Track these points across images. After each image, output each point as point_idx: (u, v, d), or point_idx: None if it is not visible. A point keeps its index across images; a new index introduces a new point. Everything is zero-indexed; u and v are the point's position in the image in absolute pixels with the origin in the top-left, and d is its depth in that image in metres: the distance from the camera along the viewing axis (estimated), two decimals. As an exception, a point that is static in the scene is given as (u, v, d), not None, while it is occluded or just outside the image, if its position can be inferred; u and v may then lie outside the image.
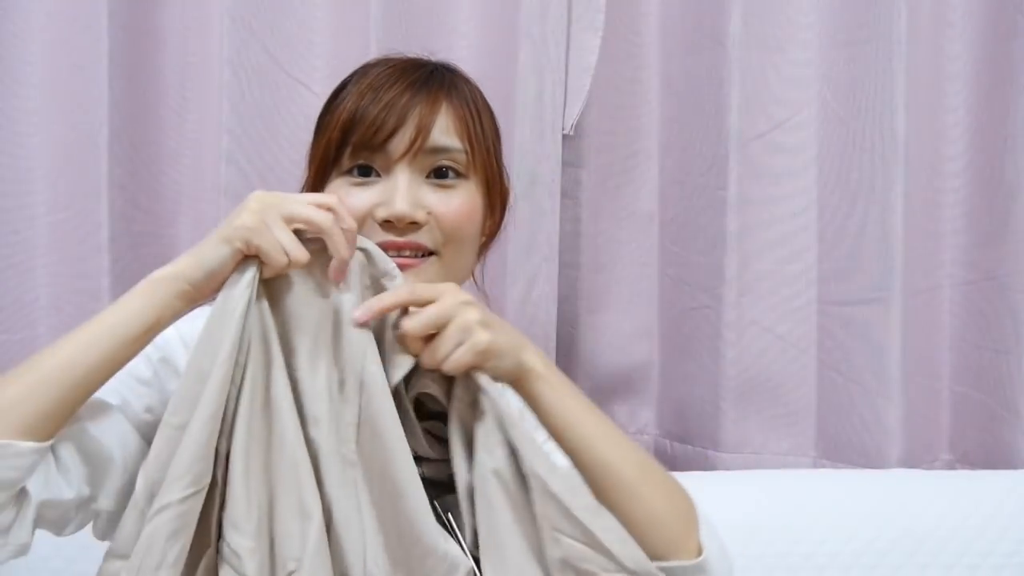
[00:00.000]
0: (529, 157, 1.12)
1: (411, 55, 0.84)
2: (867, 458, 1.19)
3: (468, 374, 0.67)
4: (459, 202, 0.78)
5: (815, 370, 1.20)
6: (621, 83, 1.19)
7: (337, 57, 1.10)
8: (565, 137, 1.15)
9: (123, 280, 1.08)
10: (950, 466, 1.25)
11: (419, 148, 0.76)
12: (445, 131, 0.78)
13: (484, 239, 0.84)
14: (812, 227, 1.18)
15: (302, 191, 0.83)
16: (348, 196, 0.76)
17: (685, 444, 1.22)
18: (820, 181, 1.18)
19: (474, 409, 0.67)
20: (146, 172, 1.12)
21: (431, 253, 0.78)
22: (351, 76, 0.82)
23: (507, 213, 0.86)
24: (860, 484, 1.11)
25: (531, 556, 0.65)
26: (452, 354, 0.66)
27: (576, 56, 1.14)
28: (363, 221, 0.76)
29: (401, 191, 0.76)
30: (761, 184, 1.16)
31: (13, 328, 1.08)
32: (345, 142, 0.77)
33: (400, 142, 0.76)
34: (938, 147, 1.21)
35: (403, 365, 0.67)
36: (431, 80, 0.80)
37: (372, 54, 1.09)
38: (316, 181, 0.80)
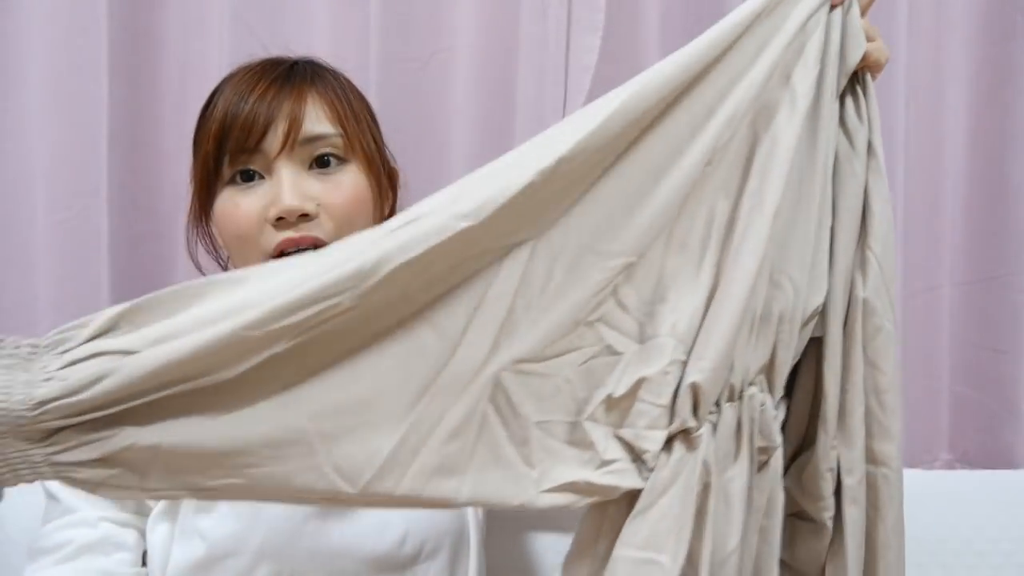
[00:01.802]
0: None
1: (270, 56, 0.84)
2: (867, 458, 1.19)
3: None
4: (345, 187, 0.78)
5: (815, 370, 1.19)
6: (621, 83, 1.19)
7: (337, 57, 1.10)
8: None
9: (123, 280, 1.08)
10: (950, 466, 1.24)
11: (294, 140, 0.76)
12: (317, 119, 0.78)
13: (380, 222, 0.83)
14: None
15: (189, 213, 0.83)
16: (237, 204, 0.76)
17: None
18: (820, 181, 1.18)
19: None
20: (146, 172, 1.12)
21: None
22: (216, 88, 0.81)
23: (401, 193, 0.86)
24: (860, 484, 1.11)
25: None
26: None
27: (576, 56, 1.14)
28: (259, 226, 0.75)
29: (286, 186, 0.75)
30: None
31: (13, 328, 1.08)
32: (222, 151, 0.77)
33: (274, 138, 0.76)
34: (938, 147, 1.21)
35: None
36: (293, 74, 0.80)
37: (372, 54, 1.10)
38: (201, 199, 0.80)
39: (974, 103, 1.21)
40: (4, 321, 1.08)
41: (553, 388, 0.61)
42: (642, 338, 0.62)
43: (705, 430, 0.61)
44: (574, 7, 1.13)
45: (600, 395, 0.61)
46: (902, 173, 1.16)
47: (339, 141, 0.78)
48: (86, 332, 0.53)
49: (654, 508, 0.60)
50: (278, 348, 0.54)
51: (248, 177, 0.77)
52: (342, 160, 0.79)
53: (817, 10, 0.64)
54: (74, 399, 0.52)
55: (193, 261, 0.88)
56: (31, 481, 0.53)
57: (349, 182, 0.78)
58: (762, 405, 0.64)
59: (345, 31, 1.11)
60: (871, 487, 0.67)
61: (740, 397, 0.63)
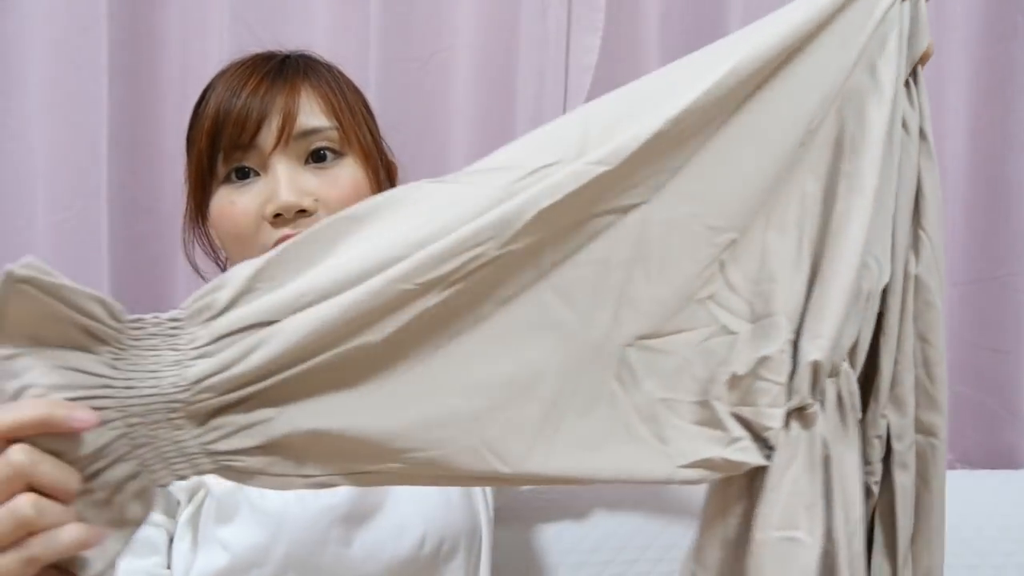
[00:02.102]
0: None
1: (263, 50, 0.83)
2: (867, 458, 1.19)
3: None
4: (343, 181, 0.77)
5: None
6: (621, 83, 1.19)
7: (337, 57, 1.10)
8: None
9: (123, 280, 1.08)
10: (950, 466, 1.24)
11: (289, 135, 0.75)
12: (311, 113, 0.77)
13: None
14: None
15: (185, 213, 0.83)
16: (233, 203, 0.76)
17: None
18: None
19: None
20: (146, 172, 1.12)
21: None
22: (209, 85, 0.80)
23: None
24: (860, 484, 1.11)
25: None
26: None
27: (576, 56, 1.14)
28: (256, 224, 0.75)
29: (283, 181, 0.74)
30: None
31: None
32: (215, 149, 0.76)
33: (268, 134, 0.75)
34: (938, 147, 1.20)
35: None
36: (285, 68, 0.79)
37: (372, 54, 1.10)
38: (197, 198, 0.79)
39: (974, 103, 1.21)
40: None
41: (674, 366, 0.61)
42: (754, 317, 0.62)
43: (818, 406, 0.62)
44: (574, 7, 1.13)
45: (723, 374, 0.61)
46: (902, 173, 1.16)
47: (334, 134, 0.77)
48: (225, 295, 0.50)
49: (782, 486, 0.60)
50: (429, 302, 0.52)
51: (243, 174, 0.76)
52: (338, 154, 0.78)
53: (895, 4, 0.65)
54: (227, 374, 0.48)
55: (190, 262, 0.88)
56: (186, 477, 0.49)
57: (346, 176, 0.77)
58: (851, 378, 0.65)
59: (345, 31, 1.11)
60: (919, 456, 0.69)
61: (838, 373, 0.63)
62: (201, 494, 0.74)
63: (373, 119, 0.85)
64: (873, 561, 0.68)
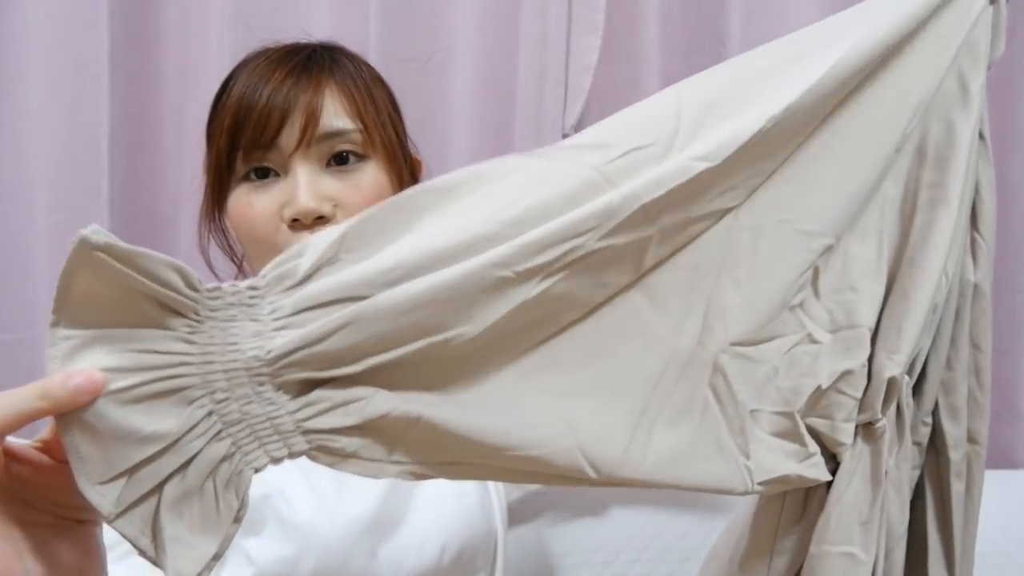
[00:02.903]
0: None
1: (288, 41, 0.80)
2: (867, 458, 1.19)
3: None
4: (365, 185, 0.74)
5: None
6: (621, 83, 1.19)
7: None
8: (565, 137, 1.15)
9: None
10: (950, 466, 1.25)
11: (311, 137, 0.72)
12: (335, 114, 0.74)
13: None
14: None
15: (202, 207, 0.81)
16: (251, 203, 0.74)
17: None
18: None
19: None
20: (146, 172, 1.12)
21: None
22: (231, 74, 0.78)
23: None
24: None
25: None
26: None
27: (576, 56, 1.14)
28: (274, 227, 0.73)
29: (302, 186, 0.72)
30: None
31: (13, 328, 1.08)
32: (235, 147, 0.73)
33: (290, 135, 0.72)
34: (938, 147, 1.21)
35: None
36: (311, 63, 0.76)
37: (372, 54, 1.10)
38: (215, 194, 0.77)
39: (974, 103, 1.21)
40: (4, 321, 1.08)
41: (764, 376, 0.58)
42: (834, 327, 0.60)
43: (885, 421, 0.60)
44: (574, 7, 1.13)
45: (807, 386, 0.59)
46: (902, 173, 1.16)
47: (358, 137, 0.75)
48: (306, 263, 0.47)
49: (844, 501, 0.59)
50: (528, 293, 0.49)
51: (263, 174, 0.74)
52: (361, 156, 0.75)
53: (986, 7, 0.64)
54: (315, 349, 0.45)
55: (204, 257, 0.86)
56: (280, 460, 0.45)
57: (369, 180, 0.75)
58: (908, 390, 0.64)
59: (345, 31, 1.11)
60: (968, 467, 0.67)
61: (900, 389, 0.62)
62: None
63: (399, 116, 0.83)
64: (931, 571, 0.67)
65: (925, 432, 0.66)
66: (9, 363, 1.07)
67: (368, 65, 0.81)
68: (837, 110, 0.59)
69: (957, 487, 0.67)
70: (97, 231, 0.41)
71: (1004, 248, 1.21)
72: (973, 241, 0.67)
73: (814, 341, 0.59)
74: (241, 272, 0.85)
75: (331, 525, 0.70)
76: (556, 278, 0.50)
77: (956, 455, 0.67)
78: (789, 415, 0.59)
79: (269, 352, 0.45)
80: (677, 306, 0.56)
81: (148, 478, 0.43)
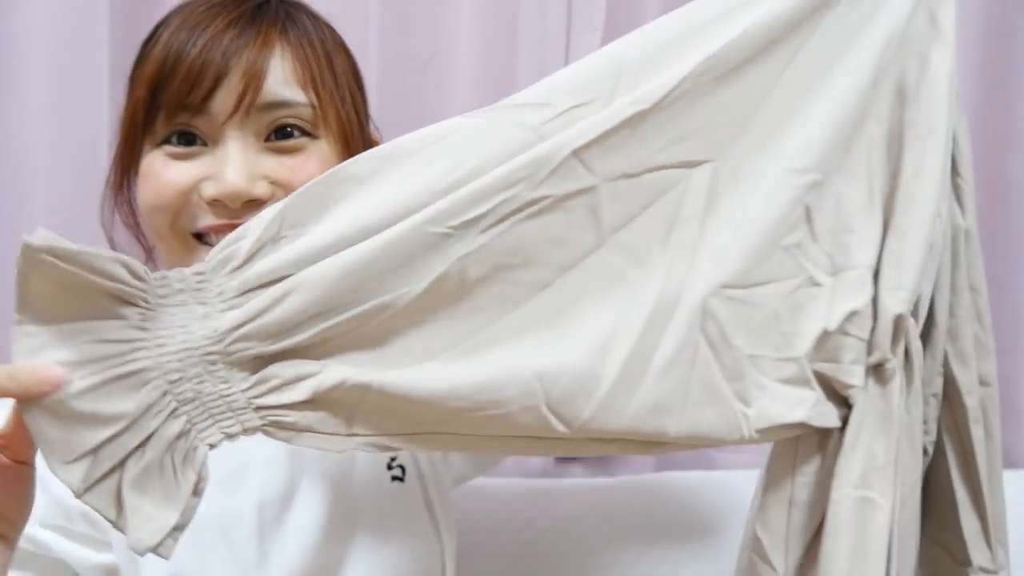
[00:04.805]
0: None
1: None
2: (867, 458, 1.19)
3: None
4: (310, 167, 0.62)
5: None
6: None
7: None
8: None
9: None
10: (950, 466, 1.24)
11: (250, 104, 0.60)
12: (283, 80, 0.62)
13: None
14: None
15: (109, 173, 0.69)
16: (165, 171, 0.62)
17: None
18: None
19: None
20: (146, 172, 1.12)
21: None
22: (163, 19, 0.66)
23: None
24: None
25: None
26: None
27: (576, 56, 1.14)
28: (183, 200, 0.62)
29: (233, 161, 0.60)
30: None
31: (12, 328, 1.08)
32: (156, 103, 0.61)
33: (225, 99, 0.60)
34: (938, 147, 1.21)
35: None
36: (261, 14, 0.63)
37: (371, 54, 1.10)
38: (126, 156, 0.65)
39: (974, 103, 1.21)
40: (4, 320, 1.08)
41: (763, 320, 0.58)
42: (834, 269, 0.60)
43: (895, 362, 0.60)
44: (574, 7, 1.13)
45: (812, 329, 0.59)
46: (902, 173, 1.16)
47: (307, 112, 0.63)
48: (247, 244, 0.48)
49: (859, 445, 0.58)
50: (467, 247, 0.50)
51: (187, 140, 0.62)
52: (308, 135, 0.64)
53: None
54: (261, 321, 0.47)
55: (106, 234, 0.74)
56: (234, 437, 0.48)
57: (313, 163, 0.63)
58: (915, 331, 0.63)
59: (344, 31, 1.11)
60: (983, 410, 0.67)
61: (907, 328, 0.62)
62: None
63: (362, 91, 0.71)
64: (963, 522, 0.67)
65: (939, 383, 0.66)
66: (9, 363, 1.07)
67: (331, 28, 0.70)
68: (798, 51, 0.59)
69: (977, 433, 0.66)
70: (41, 235, 0.44)
71: (1004, 248, 1.20)
72: (957, 187, 0.65)
73: (816, 284, 0.59)
74: (150, 257, 0.74)
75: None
76: (496, 231, 0.51)
77: (971, 401, 0.66)
78: (795, 360, 0.58)
79: (217, 331, 0.47)
80: (659, 258, 0.56)
81: (110, 456, 0.45)
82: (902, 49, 0.62)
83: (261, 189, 0.62)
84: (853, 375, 0.59)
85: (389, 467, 0.72)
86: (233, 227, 0.54)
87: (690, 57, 0.55)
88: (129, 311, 0.46)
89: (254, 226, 0.49)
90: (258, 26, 0.63)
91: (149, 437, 0.46)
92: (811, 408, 0.58)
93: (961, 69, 1.20)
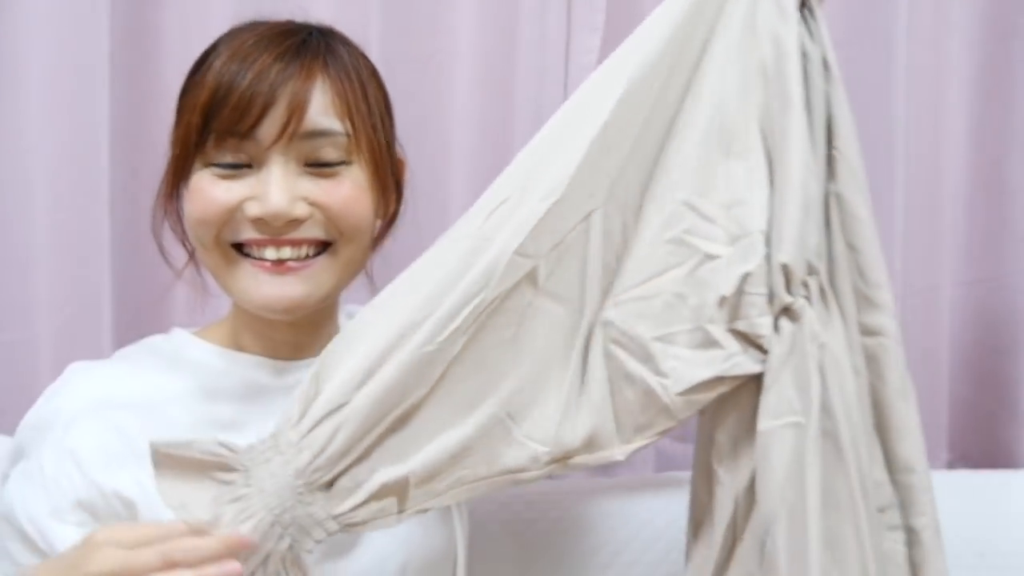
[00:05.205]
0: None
1: (282, 18, 0.74)
2: (867, 458, 1.19)
3: None
4: (344, 190, 0.69)
5: (815, 370, 1.20)
6: (621, 83, 1.19)
7: (337, 57, 1.11)
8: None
9: (124, 280, 1.08)
10: (950, 466, 1.24)
11: (293, 132, 0.67)
12: (323, 111, 0.69)
13: (381, 223, 0.78)
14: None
15: (161, 184, 0.75)
16: (213, 189, 0.69)
17: (686, 443, 1.22)
18: (820, 181, 1.18)
19: None
20: (146, 172, 1.11)
21: (325, 245, 0.71)
22: (214, 45, 0.72)
23: (406, 190, 0.81)
24: (860, 484, 1.11)
25: None
26: None
27: (576, 56, 1.14)
28: (228, 215, 0.69)
29: (277, 183, 0.67)
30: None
31: (13, 328, 1.08)
32: (207, 128, 0.68)
33: (271, 127, 0.67)
34: (938, 147, 1.21)
35: None
36: (305, 49, 0.70)
37: (372, 54, 1.09)
38: (177, 172, 0.71)
39: (974, 103, 1.21)
40: (4, 321, 1.08)
41: (662, 304, 0.69)
42: (731, 240, 0.69)
43: (803, 302, 0.69)
44: (574, 7, 1.14)
45: (712, 297, 0.68)
46: (902, 173, 1.16)
47: (344, 140, 0.70)
48: (297, 406, 0.64)
49: (780, 381, 0.67)
50: (455, 350, 0.65)
51: (234, 164, 0.69)
52: (344, 162, 0.71)
53: None
54: (324, 455, 0.63)
55: (156, 242, 0.81)
56: (321, 540, 0.64)
57: (348, 186, 0.70)
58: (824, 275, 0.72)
59: (345, 31, 1.11)
60: (872, 358, 0.73)
61: (817, 271, 0.70)
62: None
63: (391, 116, 0.78)
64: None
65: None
66: (9, 363, 1.07)
67: (365, 57, 0.77)
68: (668, 79, 0.71)
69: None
70: (161, 443, 0.62)
71: (1004, 248, 1.21)
72: (831, 158, 0.73)
73: (713, 257, 0.69)
74: (192, 259, 0.80)
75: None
76: (471, 330, 0.65)
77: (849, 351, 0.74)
78: (701, 328, 0.68)
79: (296, 469, 0.63)
80: (580, 297, 0.69)
81: (246, 571, 0.61)
82: (757, 34, 0.72)
83: (300, 210, 0.69)
84: (761, 327, 0.68)
85: None
86: (273, 243, 0.69)
87: (583, 136, 0.68)
88: (235, 475, 0.63)
89: (297, 395, 0.65)
90: (302, 59, 0.69)
91: (268, 556, 0.62)
92: (722, 363, 0.68)
93: (961, 69, 1.21)
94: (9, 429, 0.96)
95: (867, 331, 0.73)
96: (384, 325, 0.64)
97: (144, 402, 0.71)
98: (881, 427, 0.73)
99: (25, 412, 0.77)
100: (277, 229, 0.68)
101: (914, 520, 0.75)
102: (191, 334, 0.78)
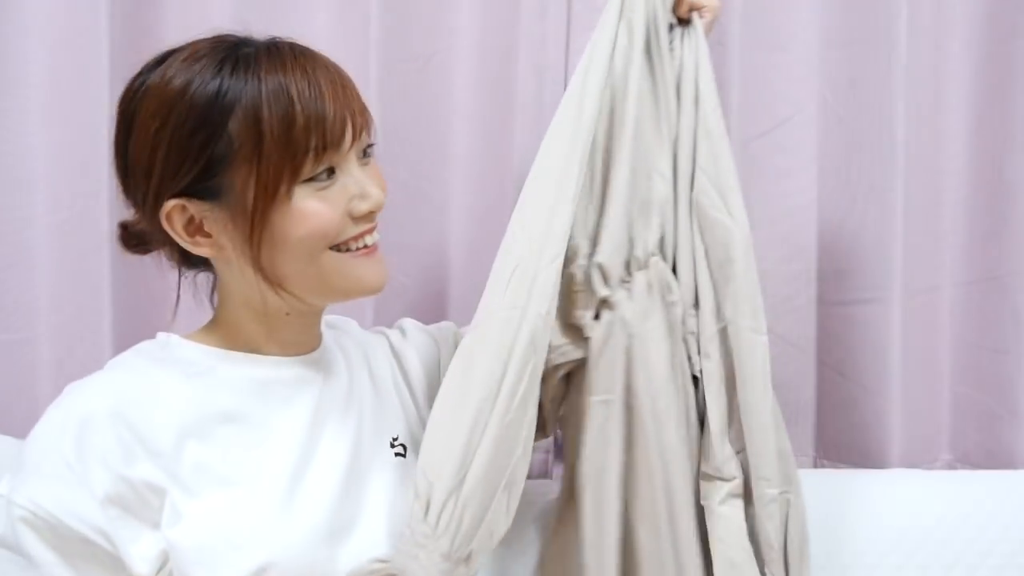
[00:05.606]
0: (529, 157, 1.12)
1: (264, 36, 0.80)
2: (867, 458, 1.19)
3: None
4: (380, 173, 0.78)
5: (815, 370, 1.20)
6: (621, 83, 1.19)
7: (337, 57, 1.10)
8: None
9: (124, 281, 1.08)
10: (950, 466, 1.24)
11: (359, 134, 0.75)
12: (365, 109, 0.77)
13: None
14: (812, 226, 1.18)
15: (252, 216, 0.72)
16: (321, 204, 0.72)
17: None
18: (820, 180, 1.18)
19: None
20: (146, 172, 1.12)
21: None
22: (281, 88, 0.72)
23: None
24: (860, 484, 1.11)
25: None
26: None
27: (576, 56, 1.14)
28: (344, 224, 0.74)
29: (372, 180, 0.75)
30: (761, 183, 1.16)
31: (13, 328, 1.08)
32: (306, 149, 0.71)
33: (349, 134, 0.74)
34: (938, 147, 1.21)
35: None
36: (312, 53, 0.77)
37: (372, 54, 1.10)
38: (265, 204, 0.71)
39: (975, 102, 1.21)
40: (4, 321, 1.08)
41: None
42: (572, 256, 0.84)
43: (621, 295, 0.83)
44: (574, 7, 1.14)
45: (553, 300, 0.80)
46: (902, 173, 1.16)
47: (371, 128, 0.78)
48: (420, 503, 0.74)
49: (600, 362, 0.83)
50: (528, 411, 0.77)
51: (328, 174, 0.73)
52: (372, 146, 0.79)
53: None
54: (460, 535, 0.74)
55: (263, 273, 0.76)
56: None
57: (377, 167, 0.78)
58: (663, 269, 0.85)
59: (345, 31, 1.11)
60: (722, 340, 0.85)
61: (647, 266, 0.84)
62: (167, 569, 0.70)
63: None
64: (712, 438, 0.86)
65: (693, 323, 0.86)
66: (9, 363, 1.07)
67: None
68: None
69: (707, 367, 0.86)
70: None
71: (1004, 248, 1.20)
72: (694, 172, 0.87)
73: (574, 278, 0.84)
74: (277, 285, 0.76)
75: (289, 536, 0.71)
76: (530, 393, 0.77)
77: (703, 338, 0.86)
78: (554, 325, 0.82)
79: (442, 554, 0.74)
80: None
81: None
82: (613, 63, 0.83)
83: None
84: (583, 318, 0.84)
85: (392, 445, 0.82)
86: (370, 231, 0.76)
87: (564, 195, 0.80)
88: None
89: (413, 494, 0.75)
90: (328, 68, 0.76)
91: None
92: (553, 352, 0.82)
93: (961, 69, 1.21)
94: (9, 429, 0.97)
95: (723, 320, 0.85)
96: (462, 410, 0.75)
97: (147, 398, 0.72)
98: (731, 407, 0.86)
99: (25, 412, 0.77)
100: (373, 217, 0.76)
101: (757, 489, 0.85)
102: (180, 337, 0.79)
